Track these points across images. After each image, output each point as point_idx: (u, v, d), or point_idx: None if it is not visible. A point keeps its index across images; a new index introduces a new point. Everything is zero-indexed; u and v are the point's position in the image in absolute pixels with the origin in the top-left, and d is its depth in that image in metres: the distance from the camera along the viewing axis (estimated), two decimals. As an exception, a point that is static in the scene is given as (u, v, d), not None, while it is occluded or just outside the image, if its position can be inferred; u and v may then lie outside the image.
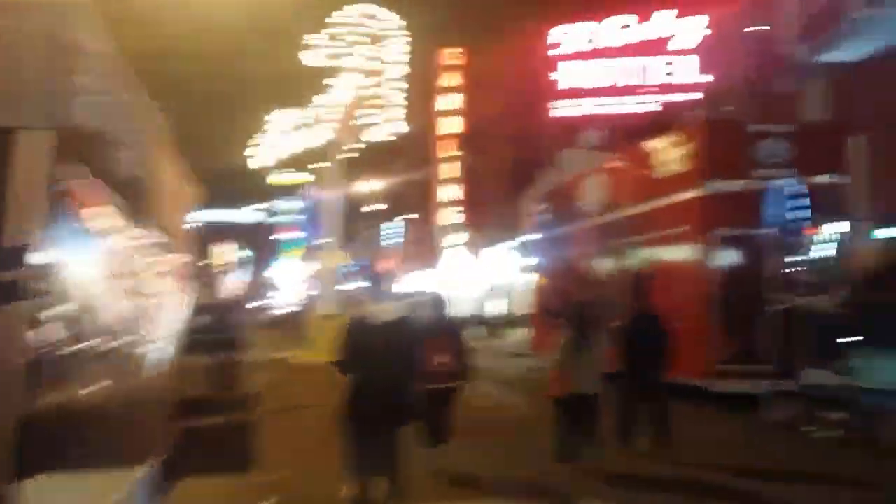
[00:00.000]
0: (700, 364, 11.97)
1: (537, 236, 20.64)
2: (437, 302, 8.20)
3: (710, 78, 26.25)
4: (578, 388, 7.67)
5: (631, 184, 15.05)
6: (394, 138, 30.95)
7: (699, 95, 25.93)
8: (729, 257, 12.19)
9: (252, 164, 32.47)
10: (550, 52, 28.14)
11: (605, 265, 15.84)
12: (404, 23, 30.98)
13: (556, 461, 7.83)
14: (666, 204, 13.45)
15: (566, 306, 9.26)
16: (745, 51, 21.96)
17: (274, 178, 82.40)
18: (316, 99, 32.24)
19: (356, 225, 71.70)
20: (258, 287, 68.97)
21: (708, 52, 26.31)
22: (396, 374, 5.49)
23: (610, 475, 7.68)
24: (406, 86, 31.78)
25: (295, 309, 49.98)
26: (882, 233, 14.87)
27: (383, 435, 5.51)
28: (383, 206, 61.44)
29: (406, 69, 31.38)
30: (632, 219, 14.75)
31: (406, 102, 30.86)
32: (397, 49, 30.27)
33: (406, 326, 5.73)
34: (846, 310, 9.24)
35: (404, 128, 30.06)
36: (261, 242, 69.24)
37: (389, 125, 30.56)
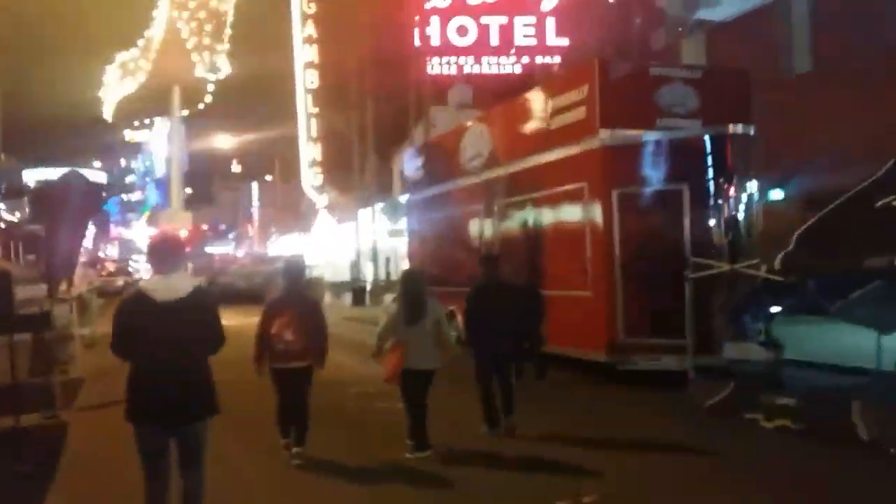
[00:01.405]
0: (601, 338, 10.40)
1: (409, 197, 18.49)
2: (290, 268, 7.17)
3: (565, 41, 26.10)
4: (414, 364, 7.00)
5: (516, 136, 13.18)
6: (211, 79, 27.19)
7: (557, 59, 25.94)
8: (630, 217, 10.51)
9: (106, 114, 27.88)
10: (424, 5, 26.74)
11: (485, 228, 13.97)
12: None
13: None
14: (556, 158, 11.67)
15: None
16: (618, 7, 21.38)
17: (129, 135, 77.47)
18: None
19: (211, 187, 68.09)
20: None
21: (567, 14, 25.93)
22: (179, 365, 4.56)
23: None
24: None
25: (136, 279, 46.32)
26: (775, 194, 13.85)
27: (170, 434, 4.64)
28: (237, 168, 57.99)
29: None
30: (517, 175, 12.92)
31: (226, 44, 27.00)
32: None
33: (194, 310, 4.64)
34: (779, 276, 7.71)
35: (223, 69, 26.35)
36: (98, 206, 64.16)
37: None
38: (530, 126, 12.71)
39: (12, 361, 7.44)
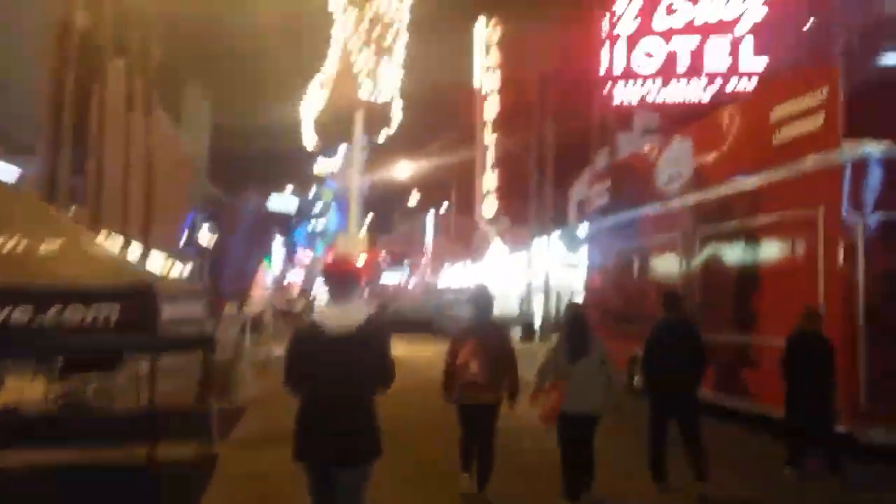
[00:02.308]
0: (841, 403, 8.22)
1: (590, 225, 16.74)
2: (478, 298, 6.70)
3: (765, 60, 23.54)
4: (573, 407, 6.23)
5: (728, 152, 11.21)
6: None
7: (753, 82, 23.24)
8: (879, 251, 8.33)
9: (307, 144, 28.31)
10: (605, 31, 25.42)
11: (682, 261, 12.03)
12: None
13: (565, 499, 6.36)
14: (781, 178, 9.63)
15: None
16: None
17: (318, 168, 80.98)
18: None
19: (391, 216, 69.22)
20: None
21: (765, 33, 23.54)
22: (349, 402, 4.31)
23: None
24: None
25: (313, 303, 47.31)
26: None
27: (336, 479, 4.29)
28: (417, 196, 58.37)
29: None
30: (726, 199, 10.94)
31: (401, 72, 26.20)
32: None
33: (367, 344, 4.33)
34: None
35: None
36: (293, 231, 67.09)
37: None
38: (747, 140, 10.72)
39: (151, 386, 6.57)
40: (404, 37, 24.07)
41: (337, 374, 4.28)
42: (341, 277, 4.51)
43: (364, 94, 21.51)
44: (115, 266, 5.72)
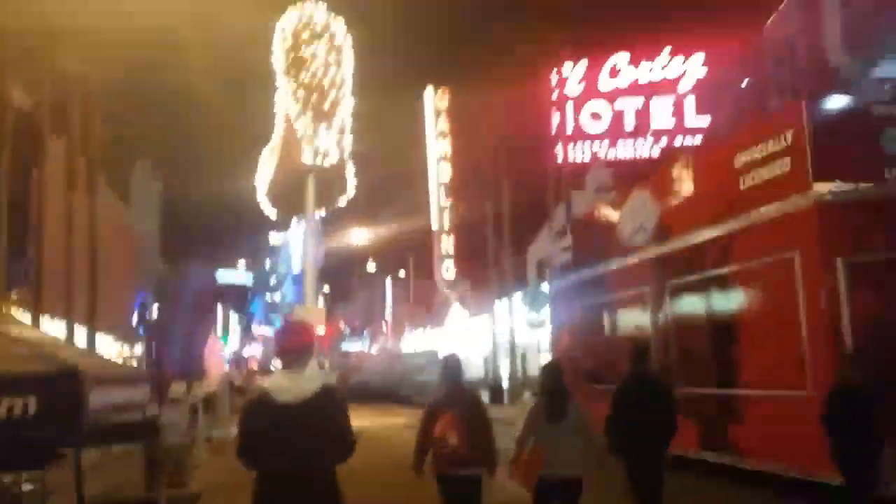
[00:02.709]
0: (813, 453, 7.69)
1: (553, 283, 16.30)
2: (450, 366, 6.34)
3: (707, 119, 24.91)
4: (553, 470, 5.89)
5: (692, 201, 10.90)
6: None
7: (698, 139, 24.34)
8: (863, 293, 7.95)
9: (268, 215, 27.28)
10: (553, 94, 26.27)
11: (650, 315, 11.58)
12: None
13: None
14: (751, 223, 9.30)
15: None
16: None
17: (273, 240, 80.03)
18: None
19: (348, 284, 68.41)
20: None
21: (706, 92, 24.94)
22: (308, 478, 3.92)
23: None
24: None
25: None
26: None
27: None
28: (373, 264, 57.79)
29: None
30: (694, 248, 10.57)
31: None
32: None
33: (322, 412, 4.00)
34: None
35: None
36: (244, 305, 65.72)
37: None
38: (711, 188, 10.43)
39: (77, 479, 5.81)
40: (348, 101, 23.68)
41: (291, 446, 3.96)
42: (292, 343, 4.19)
43: (307, 158, 20.99)
44: (35, 351, 4.96)
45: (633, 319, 12.28)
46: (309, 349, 4.26)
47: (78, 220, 24.28)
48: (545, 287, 18.49)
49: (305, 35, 24.01)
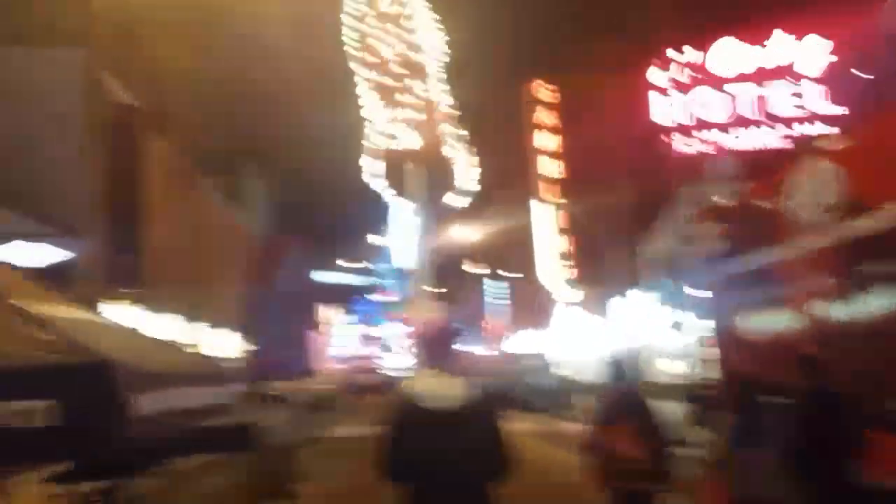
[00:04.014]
0: None
1: (703, 275, 14.04)
2: (620, 369, 5.86)
3: (842, 109, 21.74)
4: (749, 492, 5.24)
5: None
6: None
7: (834, 129, 21.35)
8: None
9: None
10: (657, 82, 23.43)
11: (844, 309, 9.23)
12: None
13: None
14: None
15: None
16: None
17: (372, 238, 79.65)
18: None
19: (452, 284, 66.79)
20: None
21: (835, 81, 21.90)
22: (467, 492, 3.40)
23: None
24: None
25: (395, 374, 44.97)
26: None
27: None
28: (482, 266, 56.23)
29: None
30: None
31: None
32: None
33: (473, 424, 3.45)
34: None
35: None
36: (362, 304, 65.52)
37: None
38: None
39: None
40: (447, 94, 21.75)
41: (445, 460, 3.46)
42: (439, 338, 3.71)
43: (413, 142, 19.05)
44: (64, 338, 3.32)
45: (810, 316, 9.91)
46: (453, 345, 3.71)
47: (182, 212, 23.62)
48: (678, 284, 16.18)
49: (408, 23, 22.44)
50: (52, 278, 18.41)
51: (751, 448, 5.50)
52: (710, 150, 23.68)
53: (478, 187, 20.03)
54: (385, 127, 18.24)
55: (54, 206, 18.63)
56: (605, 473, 5.53)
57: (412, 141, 17.96)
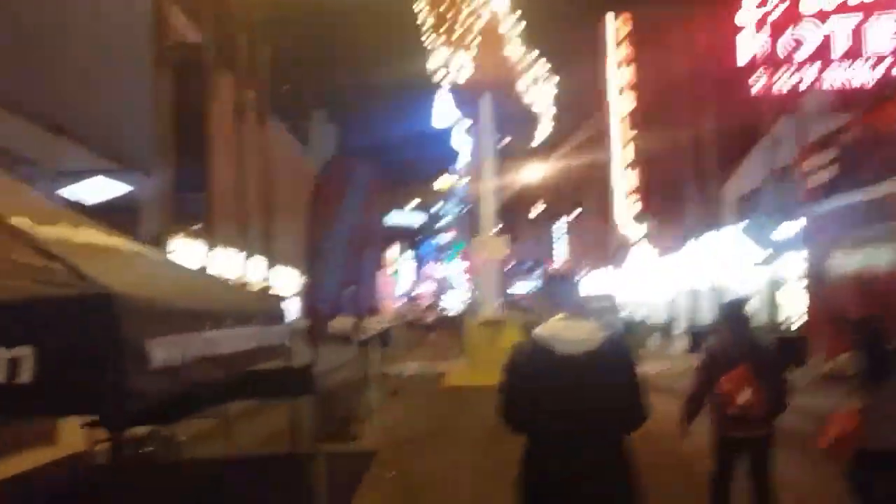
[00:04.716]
0: None
1: (811, 210, 12.78)
2: (734, 311, 5.37)
3: None
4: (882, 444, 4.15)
5: None
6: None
7: None
8: None
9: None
10: (747, 18, 21.53)
11: None
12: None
13: None
14: None
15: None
16: None
17: (440, 183, 79.65)
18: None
19: (517, 224, 65.93)
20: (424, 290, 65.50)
21: None
22: (590, 446, 3.17)
23: None
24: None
25: (457, 312, 44.74)
26: None
27: None
28: (542, 205, 54.91)
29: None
30: None
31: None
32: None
33: (607, 368, 3.20)
34: None
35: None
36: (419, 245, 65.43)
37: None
38: None
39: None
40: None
41: (575, 406, 3.18)
42: (567, 279, 3.62)
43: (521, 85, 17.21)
44: (68, 265, 2.60)
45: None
46: (577, 291, 3.55)
47: (249, 150, 23.18)
48: (771, 221, 14.86)
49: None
50: (119, 214, 18.47)
51: (884, 397, 4.55)
52: (803, 86, 22.20)
53: (551, 123, 18.44)
54: (448, 57, 16.78)
55: (123, 143, 18.52)
56: (720, 420, 5.24)
57: (476, 70, 16.37)
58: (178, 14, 20.83)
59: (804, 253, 14.16)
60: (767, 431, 5.27)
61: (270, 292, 21.27)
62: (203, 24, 21.57)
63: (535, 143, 20.04)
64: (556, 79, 18.50)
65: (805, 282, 13.69)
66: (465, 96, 17.66)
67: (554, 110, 19.09)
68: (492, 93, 16.71)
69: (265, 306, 4.57)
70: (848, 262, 10.91)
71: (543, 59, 17.63)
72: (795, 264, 15.59)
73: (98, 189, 18.93)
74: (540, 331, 3.39)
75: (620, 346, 3.38)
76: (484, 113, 16.79)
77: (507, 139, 20.19)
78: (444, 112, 20.24)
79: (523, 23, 16.63)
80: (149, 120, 19.41)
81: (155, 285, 2.98)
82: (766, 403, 5.09)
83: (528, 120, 17.97)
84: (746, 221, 14.93)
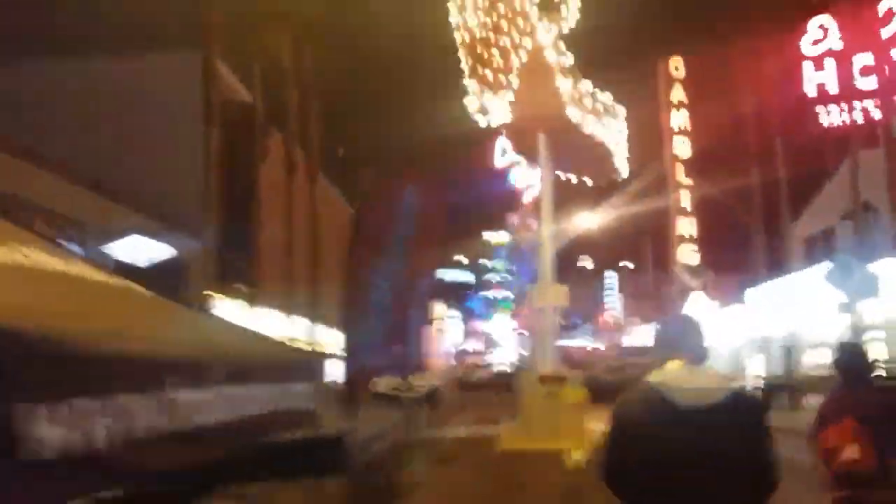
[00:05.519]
0: None
1: None
2: (852, 359, 4.71)
3: None
4: None
5: None
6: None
7: None
8: None
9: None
10: (807, 52, 21.75)
11: None
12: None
13: None
14: None
15: None
16: None
17: (487, 237, 79.32)
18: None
19: (567, 276, 64.37)
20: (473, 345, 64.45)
21: None
22: None
23: None
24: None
25: (507, 369, 43.47)
26: None
27: None
28: (590, 255, 53.55)
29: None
30: None
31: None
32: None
33: (735, 426, 2.72)
34: None
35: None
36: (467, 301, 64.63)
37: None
38: None
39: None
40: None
41: (699, 467, 2.66)
42: (689, 326, 2.92)
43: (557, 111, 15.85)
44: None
45: None
46: (703, 339, 2.91)
47: (298, 209, 22.77)
48: (851, 262, 13.51)
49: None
50: (166, 275, 18.03)
51: None
52: (866, 119, 21.29)
53: (626, 157, 16.98)
54: (488, 98, 15.54)
55: (170, 203, 18.31)
56: (827, 478, 4.61)
57: (522, 108, 14.87)
58: (229, 72, 20.79)
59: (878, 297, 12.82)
60: (878, 494, 4.47)
61: (305, 346, 20.40)
62: (254, 82, 21.49)
63: (615, 179, 18.64)
64: (623, 111, 17.35)
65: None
66: (520, 136, 16.74)
67: (626, 144, 17.89)
68: (548, 130, 15.72)
69: (296, 357, 3.63)
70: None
71: (603, 91, 16.56)
72: (883, 307, 14.18)
73: (140, 249, 18.60)
74: (657, 379, 2.91)
75: (750, 398, 2.99)
76: (541, 152, 15.81)
77: (578, 178, 18.70)
78: (501, 155, 19.46)
79: (571, 55, 15.67)
80: (197, 179, 19.19)
81: (74, 313, 2.03)
82: (874, 461, 4.45)
83: (598, 156, 16.75)
84: (830, 264, 13.62)
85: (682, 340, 2.95)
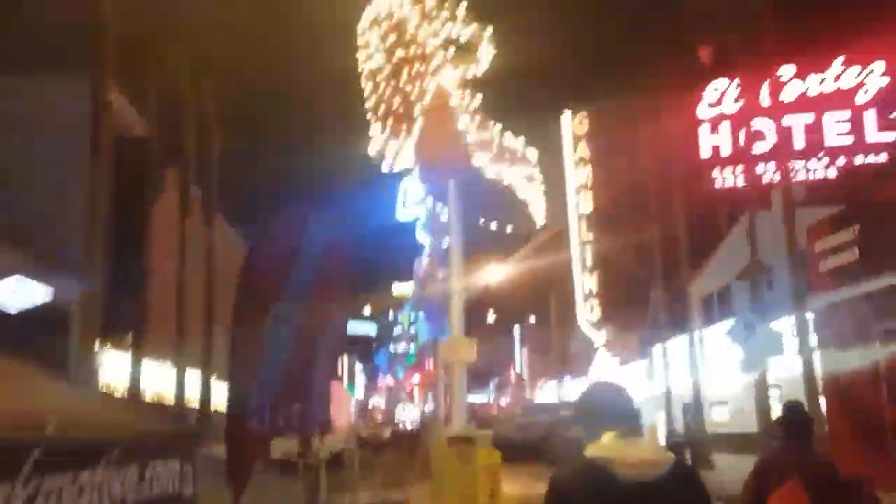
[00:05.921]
0: None
1: (825, 298, 11.66)
2: (794, 417, 4.75)
3: (890, 136, 20.40)
4: None
5: None
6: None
7: (882, 157, 20.16)
8: None
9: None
10: (704, 115, 22.02)
11: None
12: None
13: None
14: None
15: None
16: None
17: (397, 290, 77.91)
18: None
19: (473, 330, 64.01)
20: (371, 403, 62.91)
21: (890, 104, 20.45)
22: None
23: None
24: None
25: (413, 426, 42.53)
26: None
27: None
28: (492, 317, 53.64)
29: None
30: None
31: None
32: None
33: (688, 489, 2.74)
34: None
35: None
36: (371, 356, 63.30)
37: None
38: None
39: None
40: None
41: None
42: (621, 395, 2.87)
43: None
44: None
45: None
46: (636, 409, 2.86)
47: (192, 251, 21.48)
48: (755, 317, 13.67)
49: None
50: (44, 324, 16.45)
51: None
52: (757, 183, 22.05)
53: (542, 203, 16.76)
54: (389, 142, 14.95)
55: (54, 241, 16.94)
56: None
57: (424, 152, 14.31)
58: (124, 102, 19.53)
59: (806, 351, 12.93)
60: None
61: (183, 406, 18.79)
62: (149, 114, 20.23)
63: (529, 227, 18.48)
64: (535, 155, 17.20)
65: (813, 382, 12.40)
66: (430, 180, 16.26)
67: (541, 189, 17.74)
68: (452, 174, 15.28)
69: (158, 430, 2.92)
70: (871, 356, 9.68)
71: (511, 134, 16.35)
72: (788, 364, 14.35)
73: (16, 293, 16.98)
74: (595, 453, 2.77)
75: (689, 467, 2.94)
76: (450, 200, 15.36)
77: (494, 225, 18.24)
78: (407, 203, 18.79)
79: (479, 98, 15.46)
80: (84, 217, 17.76)
81: None
82: None
83: (507, 202, 16.48)
84: (730, 322, 13.83)
85: (612, 410, 2.84)
